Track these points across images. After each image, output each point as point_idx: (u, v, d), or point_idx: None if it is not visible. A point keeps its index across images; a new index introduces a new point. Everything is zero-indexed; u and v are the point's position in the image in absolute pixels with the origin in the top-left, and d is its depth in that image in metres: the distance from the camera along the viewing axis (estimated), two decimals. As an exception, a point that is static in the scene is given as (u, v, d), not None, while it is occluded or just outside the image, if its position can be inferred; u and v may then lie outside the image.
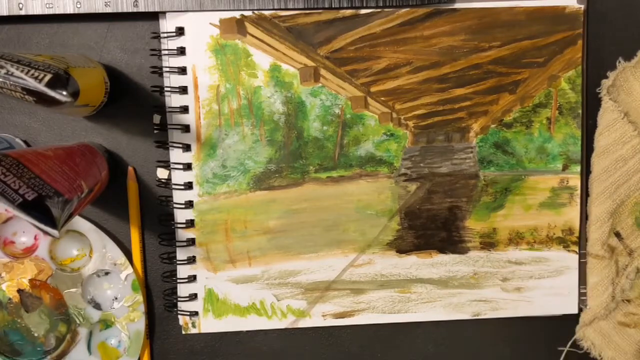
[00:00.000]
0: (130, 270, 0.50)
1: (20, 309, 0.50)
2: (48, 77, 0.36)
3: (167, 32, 0.48)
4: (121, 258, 0.50)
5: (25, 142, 0.49)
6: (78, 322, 0.50)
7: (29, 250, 0.50)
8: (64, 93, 0.36)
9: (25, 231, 0.50)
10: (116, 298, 0.51)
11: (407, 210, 0.51)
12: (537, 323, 0.54)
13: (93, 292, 0.51)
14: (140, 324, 0.51)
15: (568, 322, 0.54)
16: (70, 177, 0.39)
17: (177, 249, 0.51)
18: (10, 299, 0.50)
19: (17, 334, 0.50)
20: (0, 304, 0.50)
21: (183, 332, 0.52)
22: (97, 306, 0.51)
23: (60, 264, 0.50)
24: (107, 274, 0.51)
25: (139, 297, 0.51)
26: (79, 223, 0.50)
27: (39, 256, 0.50)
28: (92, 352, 0.51)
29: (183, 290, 0.51)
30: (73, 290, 0.50)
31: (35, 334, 0.50)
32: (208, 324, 0.52)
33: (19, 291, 0.50)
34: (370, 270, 0.52)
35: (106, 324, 0.51)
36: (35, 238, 0.50)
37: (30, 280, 0.50)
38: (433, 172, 0.51)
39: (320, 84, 0.49)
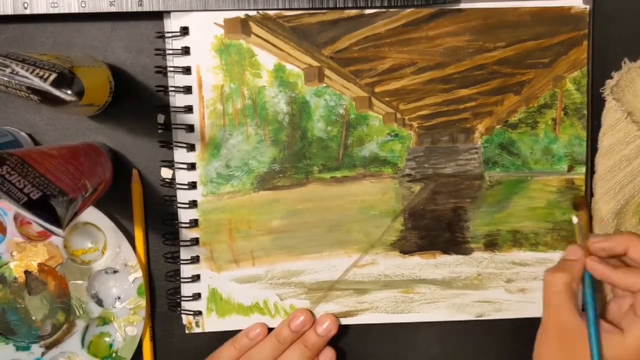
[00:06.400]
0: (139, 274, 0.50)
1: (23, 290, 0.50)
2: (53, 76, 0.36)
3: (171, 32, 0.48)
4: (133, 261, 0.50)
5: (29, 135, 0.49)
6: (78, 314, 0.51)
7: (44, 235, 0.50)
8: (69, 92, 0.36)
9: None
10: (119, 298, 0.51)
11: (411, 211, 0.51)
12: (540, 324, 0.54)
13: (98, 288, 0.51)
14: (138, 328, 0.51)
15: (572, 324, 0.53)
16: (75, 177, 0.39)
17: (181, 248, 0.51)
18: (15, 278, 0.50)
19: (15, 314, 0.50)
20: (5, 281, 0.50)
21: (186, 332, 0.52)
22: (99, 302, 0.51)
23: (72, 254, 0.50)
24: (115, 272, 0.51)
25: (142, 302, 0.50)
26: (100, 219, 0.50)
27: (53, 242, 0.50)
28: (84, 346, 0.51)
29: (186, 289, 0.51)
30: (79, 282, 0.50)
31: (33, 318, 0.50)
32: (211, 324, 0.52)
33: (26, 272, 0.50)
34: (374, 271, 0.52)
35: (104, 320, 0.51)
36: None
37: (39, 264, 0.50)
38: (437, 172, 0.51)
39: (324, 84, 0.49)
